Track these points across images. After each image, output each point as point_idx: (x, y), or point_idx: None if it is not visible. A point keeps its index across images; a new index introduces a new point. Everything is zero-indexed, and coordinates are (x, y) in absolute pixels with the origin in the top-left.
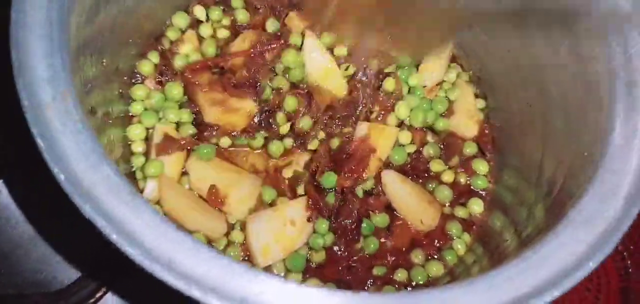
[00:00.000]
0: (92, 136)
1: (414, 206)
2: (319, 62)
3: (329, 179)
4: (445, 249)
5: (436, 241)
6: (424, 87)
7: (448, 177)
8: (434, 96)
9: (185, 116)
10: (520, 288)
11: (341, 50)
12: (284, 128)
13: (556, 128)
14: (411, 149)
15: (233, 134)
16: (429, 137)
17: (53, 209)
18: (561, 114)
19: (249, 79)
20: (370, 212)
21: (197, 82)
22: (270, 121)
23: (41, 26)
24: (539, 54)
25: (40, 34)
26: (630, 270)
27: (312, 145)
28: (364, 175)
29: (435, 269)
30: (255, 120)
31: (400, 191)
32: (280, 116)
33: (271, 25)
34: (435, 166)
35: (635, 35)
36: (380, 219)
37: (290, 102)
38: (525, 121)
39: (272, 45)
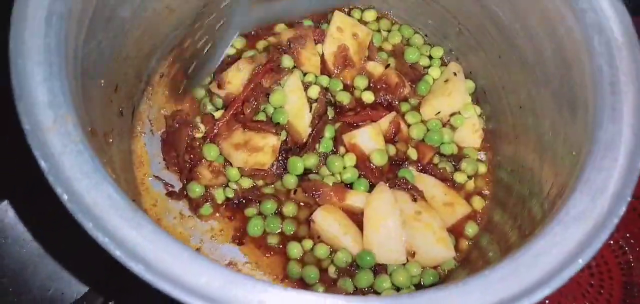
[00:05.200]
0: (93, 156)
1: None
2: (294, 103)
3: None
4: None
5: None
6: (438, 113)
7: (459, 178)
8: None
9: None
10: (511, 288)
11: (313, 91)
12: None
13: (546, 129)
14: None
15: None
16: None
17: (58, 226)
18: (549, 114)
19: (258, 110)
20: None
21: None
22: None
23: (39, 53)
24: (526, 57)
25: (38, 60)
26: (632, 264)
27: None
28: None
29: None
30: (278, 157)
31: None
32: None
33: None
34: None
35: (616, 36)
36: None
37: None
38: (518, 123)
39: (269, 74)
